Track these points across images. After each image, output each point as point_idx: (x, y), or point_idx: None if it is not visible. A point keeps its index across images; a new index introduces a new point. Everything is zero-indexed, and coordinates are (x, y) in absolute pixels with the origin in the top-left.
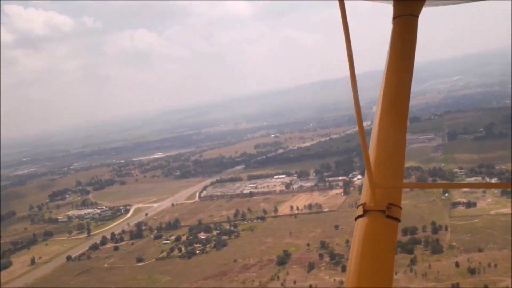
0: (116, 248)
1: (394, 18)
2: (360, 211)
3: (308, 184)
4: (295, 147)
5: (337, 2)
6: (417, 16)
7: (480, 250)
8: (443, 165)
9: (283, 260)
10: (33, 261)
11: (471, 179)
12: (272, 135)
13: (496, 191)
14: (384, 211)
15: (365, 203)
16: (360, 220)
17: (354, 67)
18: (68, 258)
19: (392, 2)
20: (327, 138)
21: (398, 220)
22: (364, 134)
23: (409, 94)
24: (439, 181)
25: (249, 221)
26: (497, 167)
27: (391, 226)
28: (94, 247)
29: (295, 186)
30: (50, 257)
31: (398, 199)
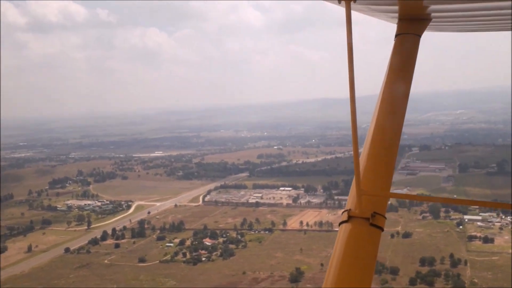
0: (117, 245)
1: (396, 36)
2: (344, 216)
3: (316, 200)
4: (300, 162)
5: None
6: (420, 36)
7: None
8: (455, 196)
9: (296, 278)
10: (29, 249)
11: (486, 214)
12: (275, 147)
13: None
14: (369, 219)
15: (350, 209)
16: (344, 225)
17: (353, 68)
18: (67, 250)
19: (396, 20)
20: (333, 156)
21: (382, 229)
22: (357, 141)
23: (405, 108)
24: (451, 213)
25: (257, 232)
26: None
27: (374, 235)
28: (94, 242)
29: (302, 201)
30: (47, 246)
31: (383, 208)
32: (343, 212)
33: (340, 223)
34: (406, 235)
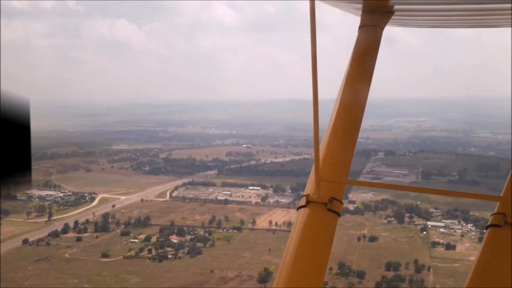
0: (78, 239)
1: (360, 28)
2: (303, 201)
3: (284, 200)
4: (269, 161)
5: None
6: (382, 28)
7: None
8: (419, 202)
9: (264, 278)
10: None
11: (448, 221)
12: (244, 145)
13: (473, 237)
14: (326, 204)
15: (308, 195)
16: (302, 210)
17: (316, 62)
18: (25, 241)
19: (360, 12)
20: (300, 157)
21: (339, 214)
22: (318, 129)
23: (366, 99)
24: (415, 218)
25: (225, 230)
26: (471, 213)
27: (331, 219)
28: (55, 234)
29: (271, 200)
30: (3, 237)
31: (340, 194)
32: (301, 197)
33: (299, 208)
34: (372, 238)
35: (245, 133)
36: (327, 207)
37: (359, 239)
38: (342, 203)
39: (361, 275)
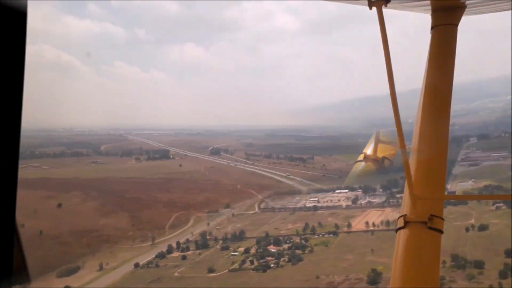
0: (183, 258)
1: (432, 28)
2: (401, 222)
3: (376, 200)
4: (351, 162)
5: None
6: (456, 25)
7: None
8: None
9: (374, 279)
10: (101, 267)
11: None
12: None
13: None
14: (426, 223)
15: (406, 215)
16: (401, 231)
17: (392, 71)
18: (136, 265)
19: (430, 11)
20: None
21: (441, 231)
22: (404, 144)
23: (450, 103)
24: None
25: (321, 236)
26: None
27: (434, 238)
28: (161, 256)
29: (362, 202)
30: (117, 263)
31: (440, 210)
32: (398, 218)
33: (397, 230)
34: (482, 227)
35: (323, 134)
36: (427, 225)
37: (467, 229)
38: (443, 219)
39: (479, 265)
